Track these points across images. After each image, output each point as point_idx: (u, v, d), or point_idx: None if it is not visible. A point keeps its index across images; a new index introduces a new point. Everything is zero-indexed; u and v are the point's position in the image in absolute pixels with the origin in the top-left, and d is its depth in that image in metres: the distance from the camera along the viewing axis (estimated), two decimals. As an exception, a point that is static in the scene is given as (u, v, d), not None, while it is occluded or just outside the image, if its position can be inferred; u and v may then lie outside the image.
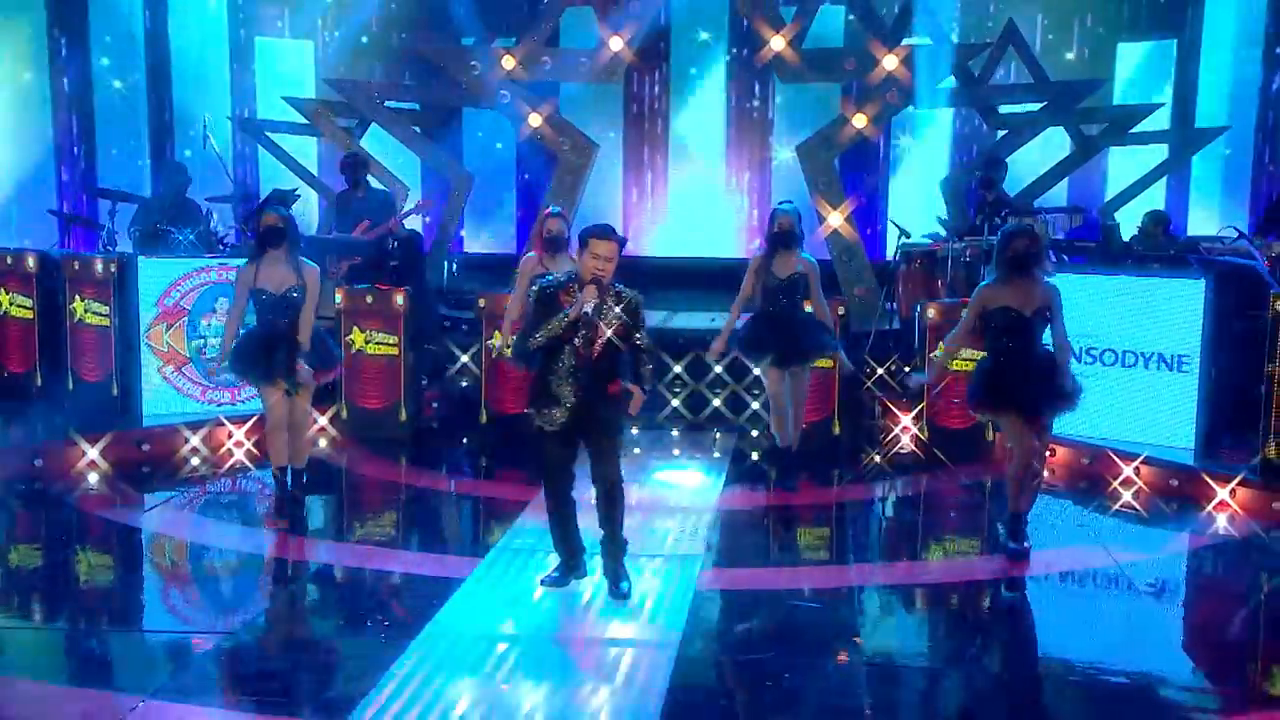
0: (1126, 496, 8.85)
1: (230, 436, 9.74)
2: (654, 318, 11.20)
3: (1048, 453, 8.08)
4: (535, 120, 12.70)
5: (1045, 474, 7.88)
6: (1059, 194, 13.95)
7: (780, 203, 9.14)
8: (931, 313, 10.02)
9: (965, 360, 8.88)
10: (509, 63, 12.62)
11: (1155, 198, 13.41)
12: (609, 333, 6.55)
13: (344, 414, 10.39)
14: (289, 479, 8.17)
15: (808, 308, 8.73)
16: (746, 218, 15.26)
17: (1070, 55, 14.86)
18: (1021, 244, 7.29)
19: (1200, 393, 9.08)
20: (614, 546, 6.80)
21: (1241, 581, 7.65)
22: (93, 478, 8.98)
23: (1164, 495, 8.75)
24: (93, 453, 9.19)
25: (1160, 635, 6.68)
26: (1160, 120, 13.77)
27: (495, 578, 7.02)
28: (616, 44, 12.59)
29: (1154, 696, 5.69)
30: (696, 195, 15.61)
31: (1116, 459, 9.11)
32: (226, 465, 9.50)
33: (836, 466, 9.80)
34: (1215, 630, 6.71)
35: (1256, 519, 8.14)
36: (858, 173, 14.71)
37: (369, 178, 12.26)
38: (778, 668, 5.77)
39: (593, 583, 6.77)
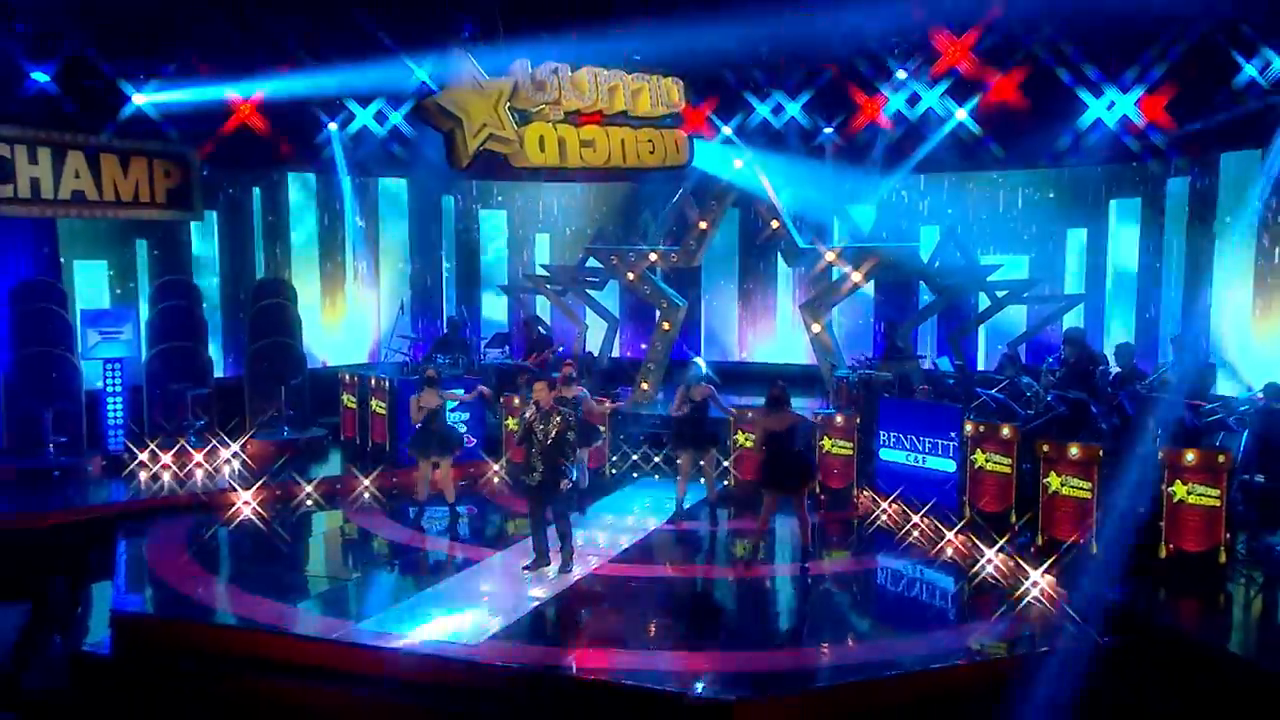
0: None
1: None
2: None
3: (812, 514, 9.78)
4: (648, 290, 15.38)
5: (813, 519, 9.73)
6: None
7: (695, 359, 11.67)
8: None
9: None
10: (633, 256, 15.24)
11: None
12: (552, 433, 8.97)
13: (506, 465, 12.83)
14: (445, 507, 10.94)
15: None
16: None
17: (1025, 238, 15.95)
18: (774, 392, 9.53)
19: (957, 475, 10.73)
20: (564, 550, 9.39)
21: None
22: (365, 495, 12.15)
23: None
24: (365, 481, 12.25)
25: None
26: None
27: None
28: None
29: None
30: (785, 317, 17.34)
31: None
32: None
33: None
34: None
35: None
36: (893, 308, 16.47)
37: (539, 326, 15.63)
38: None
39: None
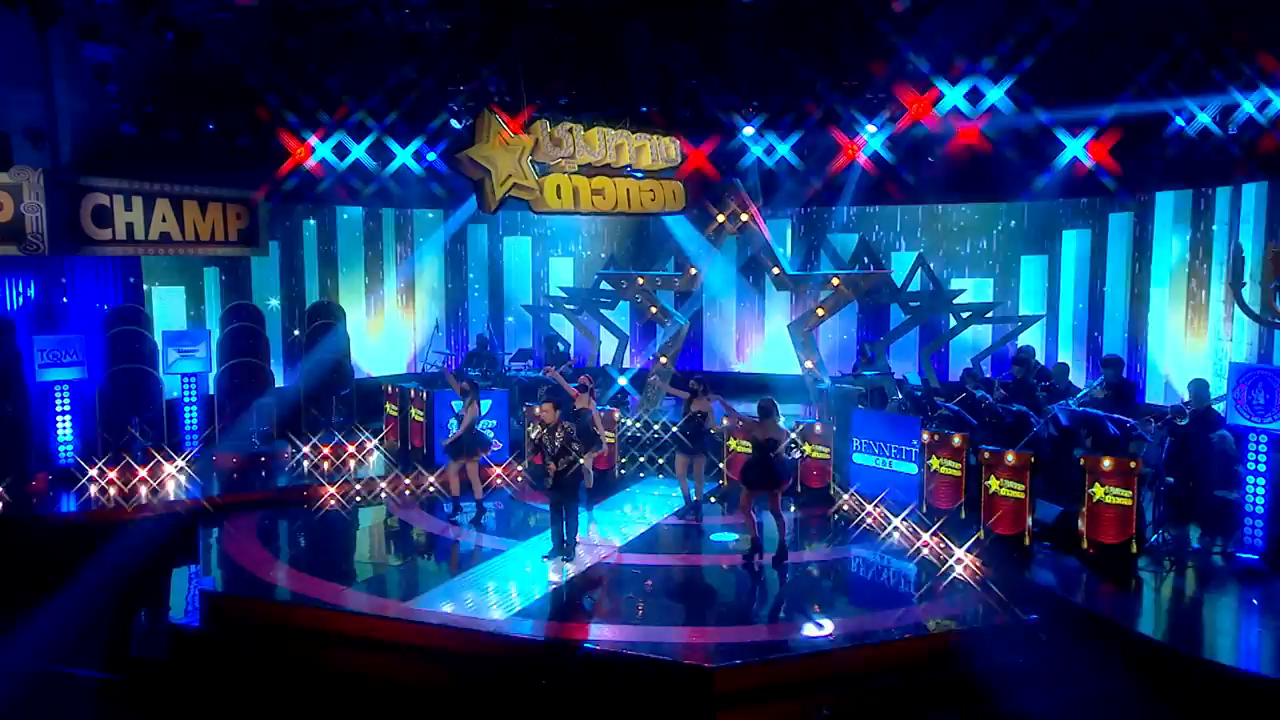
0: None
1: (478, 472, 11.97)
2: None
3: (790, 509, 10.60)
4: (653, 310, 16.14)
5: (791, 515, 10.60)
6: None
7: (694, 380, 12.07)
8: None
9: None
10: (640, 280, 15.91)
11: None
12: (556, 443, 9.87)
13: (528, 469, 13.30)
14: (473, 502, 11.50)
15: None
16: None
17: (990, 263, 16.72)
18: (763, 404, 10.26)
19: (919, 479, 11.45)
20: (570, 540, 10.20)
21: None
22: (406, 492, 12.69)
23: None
24: (405, 479, 12.89)
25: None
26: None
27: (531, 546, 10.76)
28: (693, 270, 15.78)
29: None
30: (779, 331, 17.42)
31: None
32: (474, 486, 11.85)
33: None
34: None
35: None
36: (873, 327, 17.31)
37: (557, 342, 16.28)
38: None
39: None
